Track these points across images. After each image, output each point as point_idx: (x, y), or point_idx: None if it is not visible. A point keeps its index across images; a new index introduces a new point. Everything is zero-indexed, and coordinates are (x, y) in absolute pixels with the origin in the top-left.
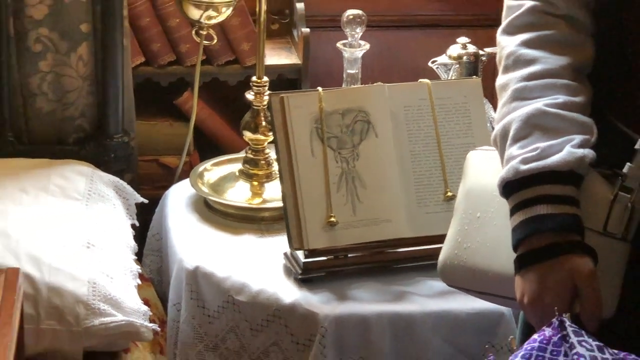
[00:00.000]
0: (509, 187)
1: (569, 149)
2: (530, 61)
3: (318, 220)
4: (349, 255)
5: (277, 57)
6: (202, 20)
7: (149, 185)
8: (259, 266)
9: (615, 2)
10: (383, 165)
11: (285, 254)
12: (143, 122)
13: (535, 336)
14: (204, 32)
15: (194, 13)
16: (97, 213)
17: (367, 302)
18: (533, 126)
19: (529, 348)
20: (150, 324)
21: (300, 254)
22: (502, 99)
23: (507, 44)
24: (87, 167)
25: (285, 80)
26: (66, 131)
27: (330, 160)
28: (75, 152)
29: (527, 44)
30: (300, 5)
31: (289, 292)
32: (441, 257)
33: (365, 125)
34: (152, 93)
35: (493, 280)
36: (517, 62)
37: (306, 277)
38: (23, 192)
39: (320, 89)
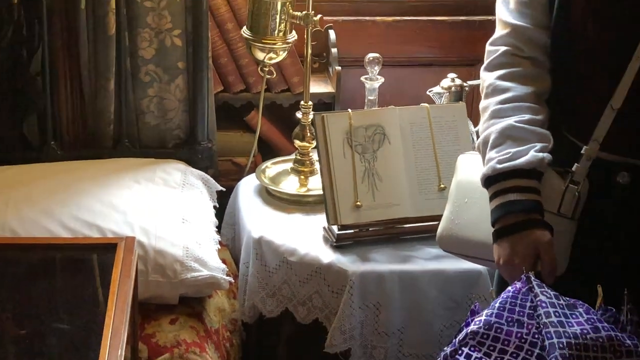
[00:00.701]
0: (488, 181)
1: (533, 153)
2: (504, 90)
3: (348, 204)
4: (370, 229)
5: (317, 87)
6: (265, 60)
7: (225, 178)
8: (305, 236)
9: (563, 47)
10: (394, 165)
11: (324, 227)
12: (221, 133)
13: (509, 288)
14: (267, 69)
15: (259, 55)
16: (189, 197)
17: (382, 263)
18: (506, 137)
19: (504, 297)
20: (227, 277)
21: (334, 228)
22: (484, 117)
23: (487, 78)
24: (182, 164)
25: (323, 104)
26: (167, 139)
27: (357, 161)
28: (173, 153)
29: (501, 77)
30: (334, 50)
31: (326, 255)
32: (439, 230)
33: (382, 136)
34: (228, 112)
35: (477, 247)
36: (494, 91)
37: (339, 244)
38: (136, 182)
39: (350, 110)
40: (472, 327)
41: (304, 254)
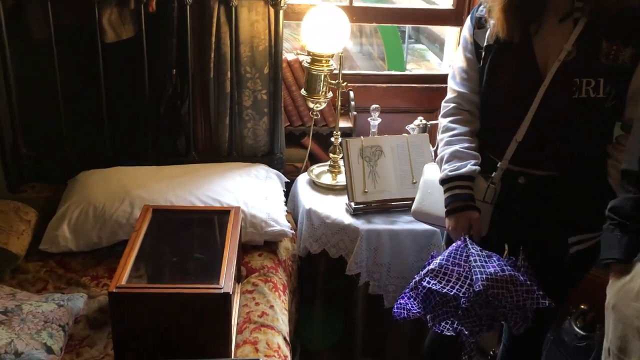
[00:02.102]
0: (443, 182)
1: (470, 167)
2: (452, 129)
3: (359, 190)
4: (372, 205)
5: (343, 123)
6: (313, 108)
7: (290, 175)
8: (335, 208)
9: (487, 103)
10: (387, 168)
11: (346, 203)
12: (288, 149)
13: (453, 244)
14: (314, 113)
15: (310, 105)
16: (269, 185)
17: (379, 224)
18: (454, 157)
19: (450, 250)
20: (291, 230)
21: (352, 204)
22: (440, 144)
23: (442, 122)
24: (265, 166)
25: (346, 134)
26: (257, 152)
27: (365, 166)
28: (260, 160)
29: (451, 122)
30: (352, 103)
31: (347, 219)
32: (413, 207)
33: (380, 152)
34: (292, 137)
35: (435, 218)
36: (446, 129)
37: (354, 213)
38: (239, 175)
39: (362, 137)
40: (431, 266)
41: (335, 218)
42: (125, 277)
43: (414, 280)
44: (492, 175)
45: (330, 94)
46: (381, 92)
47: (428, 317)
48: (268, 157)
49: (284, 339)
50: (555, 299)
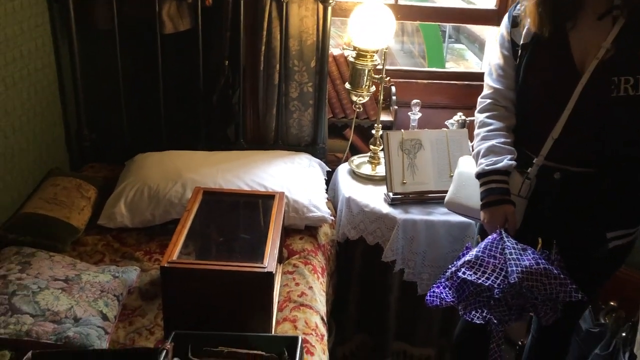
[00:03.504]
0: (480, 176)
1: (506, 161)
2: (489, 124)
3: (398, 181)
4: (410, 195)
5: (384, 117)
6: (356, 100)
7: (331, 164)
8: (374, 198)
9: (524, 100)
10: (425, 161)
11: (384, 193)
12: (330, 140)
13: (488, 237)
14: (357, 106)
15: (354, 98)
16: (312, 173)
17: (415, 214)
18: (490, 151)
19: (486, 242)
20: (331, 217)
21: (390, 194)
22: (477, 139)
23: (479, 117)
24: (309, 155)
25: (387, 127)
26: (301, 141)
27: (405, 158)
28: (304, 149)
29: (487, 117)
30: (394, 97)
31: (385, 208)
32: (446, 198)
33: (419, 145)
34: (334, 129)
35: (469, 209)
36: (483, 124)
37: (392, 203)
38: (284, 163)
39: (402, 130)
40: (467, 257)
41: (373, 206)
42: (177, 253)
43: (449, 270)
44: (528, 170)
45: (373, 88)
46: (422, 88)
47: (460, 306)
48: (311, 147)
49: (322, 318)
50: (585, 294)
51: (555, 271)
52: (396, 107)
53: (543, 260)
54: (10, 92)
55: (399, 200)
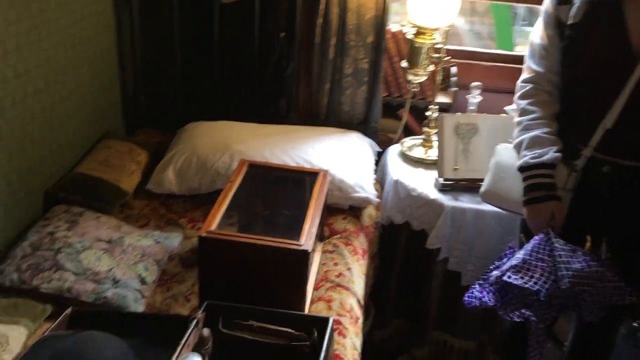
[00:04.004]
0: (523, 169)
1: (552, 154)
2: (531, 112)
3: (450, 166)
4: (461, 182)
5: (442, 98)
6: (412, 80)
7: (383, 144)
8: (423, 182)
9: (575, 87)
10: (480, 147)
11: (435, 178)
12: (383, 119)
13: (535, 237)
14: (413, 85)
15: (410, 77)
16: (361, 153)
17: (465, 202)
18: (534, 142)
19: (533, 243)
20: (376, 199)
21: (441, 179)
22: (518, 128)
23: (520, 103)
24: (360, 134)
25: (444, 109)
26: (353, 119)
27: (459, 143)
28: (356, 128)
29: (529, 104)
30: (454, 79)
31: (434, 194)
32: (481, 189)
33: (475, 130)
34: (387, 108)
35: (509, 203)
36: (525, 112)
37: (442, 189)
38: (332, 140)
39: (458, 113)
40: (514, 262)
41: (421, 191)
42: (216, 224)
43: (493, 275)
44: (575, 162)
45: (431, 68)
46: (485, 71)
47: (501, 309)
48: (363, 125)
49: (358, 301)
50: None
51: (608, 274)
52: (455, 89)
53: (595, 262)
54: (69, 53)
55: (449, 187)
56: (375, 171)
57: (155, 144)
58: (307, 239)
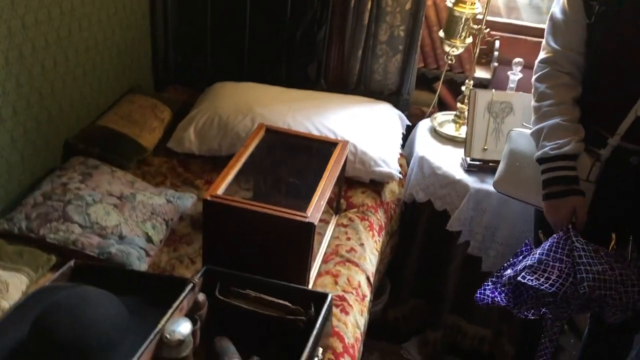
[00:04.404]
0: (542, 161)
1: (574, 144)
2: (551, 96)
3: (479, 146)
4: (490, 164)
5: (481, 73)
6: (449, 51)
7: (414, 118)
8: (449, 161)
9: (602, 70)
10: (512, 128)
11: (462, 157)
12: (417, 91)
13: (554, 235)
14: (449, 57)
15: (446, 48)
16: (389, 125)
17: (491, 185)
18: (555, 131)
19: (551, 241)
20: (399, 174)
21: (468, 159)
22: (537, 114)
23: (539, 86)
24: (390, 106)
25: (483, 85)
26: (384, 89)
27: (490, 122)
28: (386, 99)
29: (549, 87)
30: (496, 53)
31: (459, 174)
32: (496, 178)
33: (510, 109)
34: (422, 80)
35: (525, 194)
36: (543, 97)
37: (468, 169)
38: (360, 110)
39: (493, 90)
40: (529, 262)
41: (446, 170)
42: (222, 188)
43: (506, 275)
44: (600, 152)
45: (470, 40)
46: (530, 46)
47: (515, 309)
48: (395, 96)
49: (367, 278)
50: None
51: (633, 277)
52: (496, 64)
53: (618, 264)
54: (96, 3)
55: (476, 167)
56: (403, 146)
57: (181, 101)
58: (314, 211)
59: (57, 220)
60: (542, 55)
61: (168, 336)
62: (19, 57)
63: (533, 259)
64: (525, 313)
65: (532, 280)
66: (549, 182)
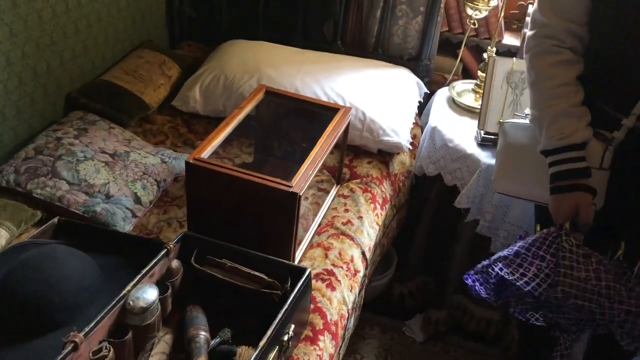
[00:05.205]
0: (547, 152)
1: (582, 131)
2: (552, 77)
3: (494, 119)
4: None
5: (511, 40)
6: (472, 15)
7: (436, 85)
8: (463, 133)
9: (611, 43)
10: None
11: (476, 130)
12: (440, 57)
13: (545, 230)
14: (472, 21)
15: (468, 11)
16: (405, 92)
17: None
18: (560, 118)
19: (538, 235)
20: (408, 145)
21: (481, 132)
22: (537, 96)
23: (535, 65)
24: (408, 71)
25: (511, 53)
26: (403, 54)
27: (509, 93)
28: (405, 64)
29: (551, 65)
30: (528, 19)
31: (471, 148)
32: (494, 177)
33: None
34: (446, 45)
35: (529, 192)
36: (543, 77)
37: (481, 143)
38: (375, 74)
39: (514, 58)
40: (505, 252)
41: (458, 143)
42: (207, 151)
43: (481, 265)
44: (613, 135)
45: (495, 2)
46: None
47: (498, 303)
48: (414, 62)
49: (362, 253)
50: None
51: (624, 293)
52: (526, 30)
53: (610, 276)
54: None
55: (490, 142)
56: (420, 115)
57: (192, 58)
58: (300, 181)
59: (45, 175)
60: (535, 27)
61: (131, 303)
62: (11, 6)
63: (510, 250)
64: (527, 316)
65: (507, 273)
66: (556, 176)
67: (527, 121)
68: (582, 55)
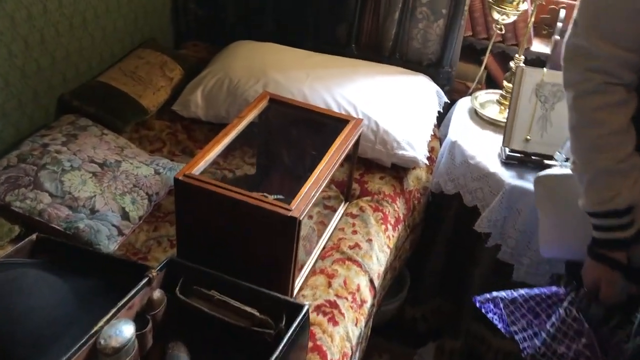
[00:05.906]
0: (590, 214)
1: (629, 193)
2: (601, 122)
3: (521, 135)
4: (532, 156)
5: (540, 47)
6: (498, 19)
7: (458, 94)
8: (486, 149)
9: None
10: (563, 118)
11: (500, 147)
12: (463, 64)
13: (552, 287)
14: (499, 26)
15: (495, 15)
16: (423, 101)
17: (530, 183)
18: (606, 176)
19: (543, 290)
20: (424, 160)
21: (506, 149)
22: (578, 143)
23: (581, 106)
24: (428, 79)
25: (540, 61)
26: (423, 59)
27: (538, 107)
28: (424, 70)
29: (598, 109)
30: (559, 24)
31: (495, 166)
32: (542, 243)
33: (562, 95)
34: (470, 51)
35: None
36: (590, 122)
37: (506, 161)
38: (392, 82)
39: (545, 69)
40: (502, 294)
41: (480, 161)
42: (200, 166)
43: (486, 295)
44: None
45: (525, 6)
46: None
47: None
48: (434, 69)
49: (370, 281)
50: None
51: None
52: (559, 37)
53: (595, 353)
54: None
55: (515, 160)
56: (439, 126)
57: (196, 59)
58: (301, 203)
59: (26, 186)
60: (577, 55)
61: (102, 342)
62: None
63: (510, 294)
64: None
65: (493, 317)
66: (594, 241)
67: (566, 170)
68: (636, 87)
